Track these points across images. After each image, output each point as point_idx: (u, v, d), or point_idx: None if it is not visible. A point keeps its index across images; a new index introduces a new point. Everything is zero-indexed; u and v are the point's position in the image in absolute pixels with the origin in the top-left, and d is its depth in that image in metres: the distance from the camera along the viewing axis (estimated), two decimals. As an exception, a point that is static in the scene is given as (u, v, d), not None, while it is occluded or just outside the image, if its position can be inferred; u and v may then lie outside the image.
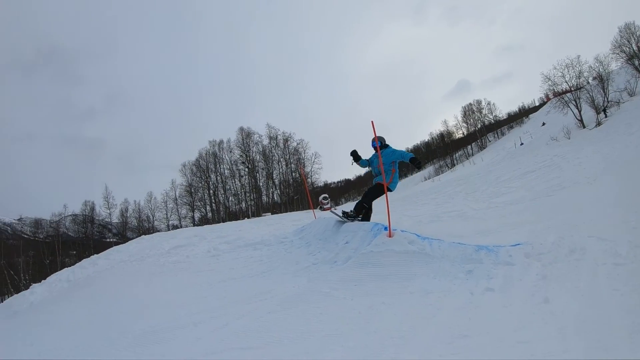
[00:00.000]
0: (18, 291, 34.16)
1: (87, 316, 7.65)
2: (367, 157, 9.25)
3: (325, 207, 9.69)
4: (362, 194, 9.11)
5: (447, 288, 5.17)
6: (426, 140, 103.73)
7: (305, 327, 4.61)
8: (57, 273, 17.30)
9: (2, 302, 21.64)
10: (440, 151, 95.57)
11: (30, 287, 16.36)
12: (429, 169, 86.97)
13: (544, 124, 66.03)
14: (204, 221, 56.14)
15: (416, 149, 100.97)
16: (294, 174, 61.36)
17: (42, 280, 16.74)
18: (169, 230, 46.59)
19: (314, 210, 15.75)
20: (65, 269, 17.88)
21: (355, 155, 9.19)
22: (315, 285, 6.14)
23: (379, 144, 8.60)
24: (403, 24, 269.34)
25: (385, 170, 8.49)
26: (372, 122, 7.46)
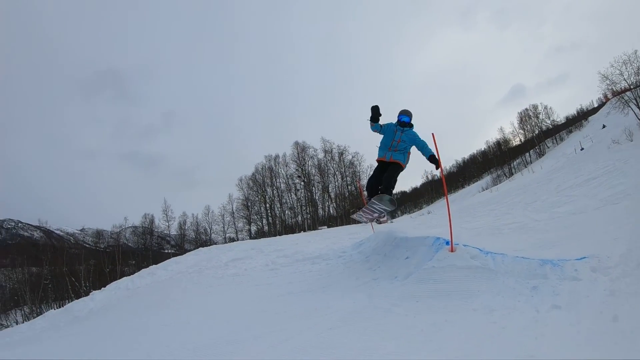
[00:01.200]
0: (78, 297, 35.74)
1: (146, 326, 7.90)
2: (383, 123, 8.64)
3: (381, 220, 9.65)
4: (384, 176, 8.48)
5: (511, 305, 5.05)
6: (482, 149, 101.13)
7: (366, 345, 4.57)
8: (116, 281, 18.02)
9: (62, 306, 22.68)
10: (497, 160, 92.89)
11: (91, 293, 17.12)
12: (486, 179, 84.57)
13: (604, 126, 63.62)
14: (260, 234, 57.15)
15: (473, 159, 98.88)
16: (349, 187, 61.62)
17: (102, 288, 17.52)
18: (225, 242, 47.61)
19: (372, 223, 15.75)
20: (125, 278, 18.60)
21: (375, 113, 8.49)
22: (376, 301, 6.09)
23: (409, 120, 8.41)
24: (451, 30, 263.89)
25: (403, 149, 8.31)
26: (432, 134, 7.42)
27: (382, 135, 8.58)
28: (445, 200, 8.00)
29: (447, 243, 6.77)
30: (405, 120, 8.41)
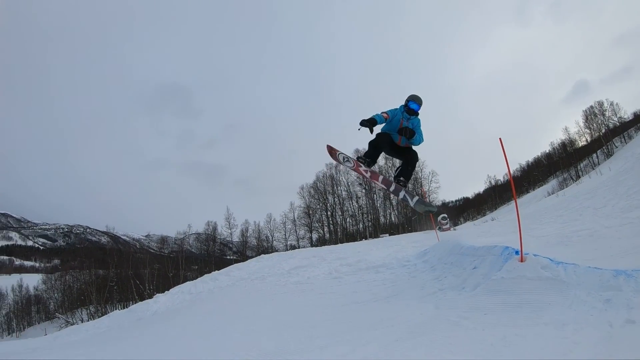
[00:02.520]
0: (142, 299, 37.42)
1: (210, 330, 8.14)
2: (385, 111, 8.23)
3: (444, 227, 9.62)
4: (405, 165, 8.48)
5: (583, 319, 4.90)
6: (547, 151, 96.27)
7: (434, 358, 4.53)
8: (179, 286, 18.69)
9: (126, 307, 23.76)
10: (563, 162, 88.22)
11: (154, 296, 17.87)
12: (551, 183, 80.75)
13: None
14: (321, 242, 57.57)
15: (537, 162, 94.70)
16: None
17: (166, 291, 18.22)
18: (287, 250, 48.30)
19: (436, 231, 15.65)
20: (188, 282, 19.28)
21: (371, 124, 7.91)
22: (443, 313, 6.06)
23: (418, 108, 8.15)
24: (507, 28, 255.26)
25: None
26: (500, 139, 7.30)
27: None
28: (515, 206, 7.81)
29: (517, 252, 6.66)
30: (414, 108, 8.18)
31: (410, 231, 38.19)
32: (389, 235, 38.84)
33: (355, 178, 62.96)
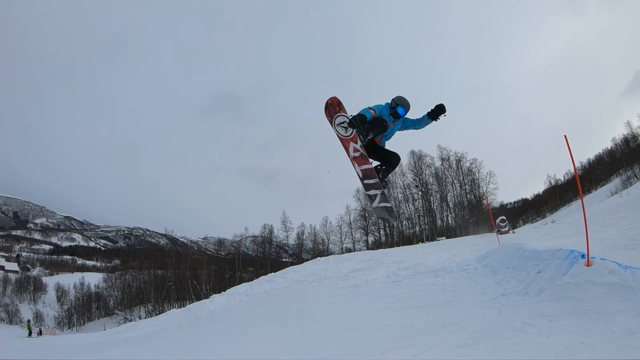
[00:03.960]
0: (199, 299, 38.47)
1: (269, 331, 8.33)
2: (372, 107, 7.49)
3: (503, 230, 9.48)
4: (386, 163, 7.88)
5: None
6: (609, 147, 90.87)
7: None
8: (236, 287, 19.17)
9: (183, 306, 24.54)
10: (626, 159, 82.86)
11: (211, 296, 18.43)
12: (615, 182, 76.41)
13: None
14: (377, 245, 57.34)
15: (599, 159, 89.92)
16: (468, 196, 59.53)
17: (222, 292, 18.72)
18: (342, 253, 48.42)
19: (497, 234, 15.43)
20: (244, 283, 19.74)
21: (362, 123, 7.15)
22: (507, 319, 5.97)
23: (404, 114, 7.56)
24: (560, 18, 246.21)
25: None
26: (565, 137, 7.08)
27: None
28: (582, 207, 7.60)
29: (583, 256, 6.49)
30: (401, 113, 7.63)
31: (468, 234, 37.46)
32: (446, 238, 38.27)
33: (411, 180, 62.10)
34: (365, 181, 7.73)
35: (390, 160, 7.88)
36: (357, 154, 7.59)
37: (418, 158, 62.55)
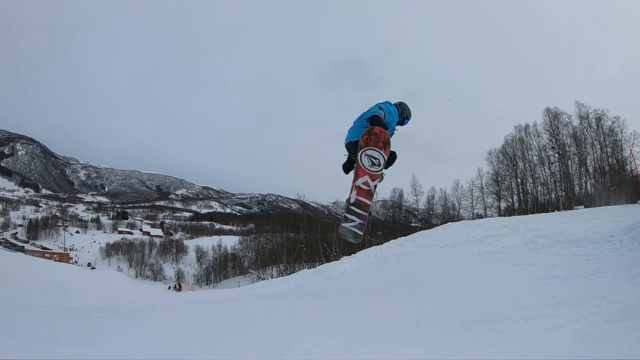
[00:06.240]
0: (328, 261, 39.88)
1: (407, 292, 8.45)
2: (380, 106, 7.33)
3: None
4: None
5: None
6: None
7: None
8: (365, 250, 19.73)
9: (314, 267, 25.68)
10: None
11: (341, 258, 19.18)
12: None
13: None
14: (509, 211, 55.16)
15: None
16: (609, 160, 54.16)
17: (352, 254, 19.37)
18: (473, 219, 47.29)
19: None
20: (374, 247, 20.26)
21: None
22: None
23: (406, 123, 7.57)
24: None
25: None
26: (630, 152, 6.32)
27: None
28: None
29: None
30: (405, 124, 7.75)
31: (608, 204, 34.40)
32: (584, 207, 35.62)
33: (547, 141, 58.06)
34: (353, 207, 7.28)
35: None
36: (365, 187, 7.25)
37: (554, 116, 58.03)
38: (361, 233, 7.24)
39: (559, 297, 6.34)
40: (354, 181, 7.23)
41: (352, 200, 7.24)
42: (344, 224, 7.29)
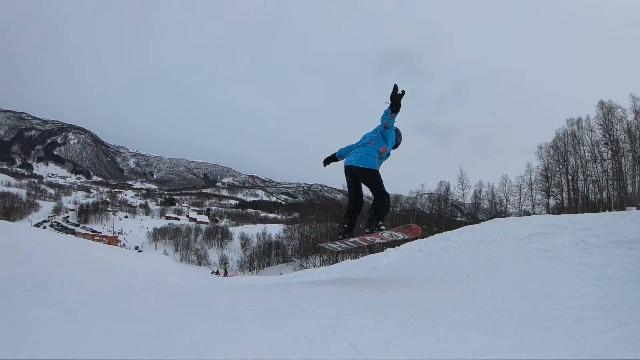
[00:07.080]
0: (371, 252, 39.86)
1: (454, 285, 8.31)
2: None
3: None
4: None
5: None
6: None
7: None
8: (410, 242, 19.64)
9: (357, 258, 25.72)
10: None
11: (385, 250, 19.13)
12: None
13: None
14: (559, 209, 53.75)
15: None
16: None
17: (396, 246, 19.32)
18: (520, 215, 46.19)
19: None
20: (418, 240, 20.14)
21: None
22: None
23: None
24: None
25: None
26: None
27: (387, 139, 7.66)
28: None
29: None
30: (397, 148, 8.13)
31: None
32: (637, 209, 34.24)
33: (600, 136, 56.07)
34: (349, 242, 7.68)
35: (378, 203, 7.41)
36: (370, 239, 7.57)
37: (608, 110, 55.79)
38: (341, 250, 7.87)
39: (610, 299, 6.21)
40: (363, 235, 7.50)
41: (351, 238, 7.64)
42: (329, 244, 7.89)
